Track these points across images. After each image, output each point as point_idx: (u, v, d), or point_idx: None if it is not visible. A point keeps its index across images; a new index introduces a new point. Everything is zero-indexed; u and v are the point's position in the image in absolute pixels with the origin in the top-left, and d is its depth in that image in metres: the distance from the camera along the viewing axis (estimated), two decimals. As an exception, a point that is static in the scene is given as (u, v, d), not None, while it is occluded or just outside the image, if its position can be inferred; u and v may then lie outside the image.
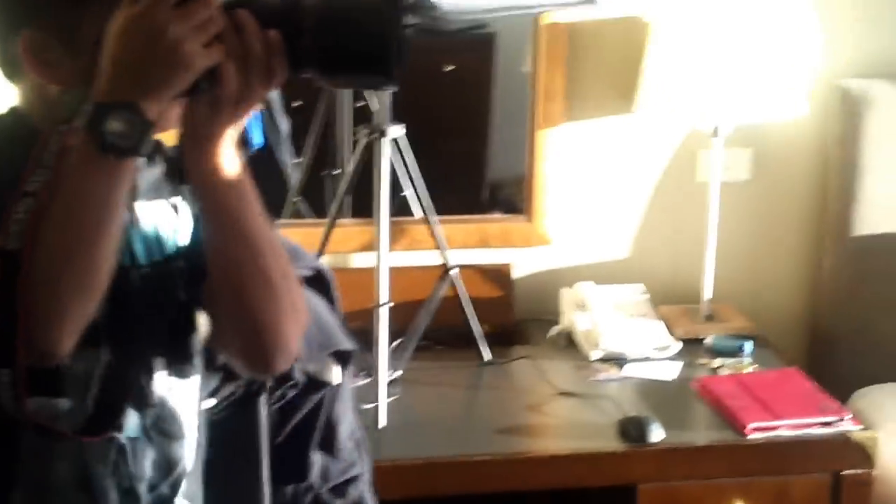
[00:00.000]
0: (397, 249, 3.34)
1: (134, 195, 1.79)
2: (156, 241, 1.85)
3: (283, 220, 3.31)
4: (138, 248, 1.82)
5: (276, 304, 1.79)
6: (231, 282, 1.77)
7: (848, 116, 3.55)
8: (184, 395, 1.91)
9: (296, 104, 3.59)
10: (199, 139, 1.69)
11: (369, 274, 3.07)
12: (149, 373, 1.84)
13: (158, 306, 1.85)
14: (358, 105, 3.50)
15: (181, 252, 1.87)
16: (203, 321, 1.89)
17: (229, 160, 1.70)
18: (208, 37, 1.59)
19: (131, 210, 1.81)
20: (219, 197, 1.71)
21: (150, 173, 1.84)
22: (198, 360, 1.93)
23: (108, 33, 1.59)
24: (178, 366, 1.89)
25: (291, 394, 2.44)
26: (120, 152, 1.57)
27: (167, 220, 1.87)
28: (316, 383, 2.45)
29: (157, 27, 1.56)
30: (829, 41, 3.58)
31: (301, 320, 1.86)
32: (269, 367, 1.87)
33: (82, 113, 1.59)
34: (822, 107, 3.59)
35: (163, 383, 1.86)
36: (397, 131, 3.08)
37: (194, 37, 1.57)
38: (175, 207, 1.88)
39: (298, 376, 2.43)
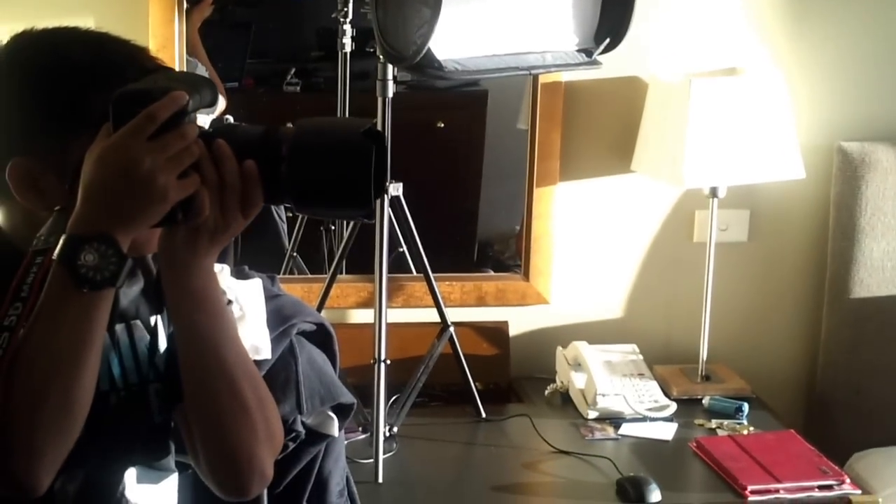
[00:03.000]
0: (394, 306, 3.35)
1: (113, 318, 1.77)
2: (133, 364, 1.85)
3: (280, 276, 3.30)
4: (116, 372, 1.82)
5: (251, 430, 1.78)
6: (205, 408, 1.76)
7: (847, 178, 3.57)
8: (159, 499, 1.90)
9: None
10: (176, 267, 1.68)
11: (365, 330, 3.09)
12: (122, 485, 1.84)
13: (134, 428, 1.84)
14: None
15: (158, 374, 1.87)
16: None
17: (207, 288, 1.70)
18: (183, 168, 1.58)
19: (111, 333, 1.80)
20: (195, 323, 1.71)
21: (129, 290, 1.83)
22: (172, 464, 1.90)
23: (84, 163, 1.59)
24: (153, 474, 1.88)
25: (292, 446, 2.43)
26: (94, 285, 1.56)
27: (145, 341, 1.86)
28: (316, 435, 2.45)
29: (131, 159, 1.55)
30: (829, 103, 3.61)
31: (276, 446, 1.87)
32: (244, 491, 1.84)
33: (57, 244, 1.57)
34: (821, 169, 3.61)
35: (135, 492, 1.85)
36: (396, 189, 3.08)
37: (169, 169, 1.57)
38: (153, 327, 1.88)
39: (299, 428, 2.42)
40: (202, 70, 3.49)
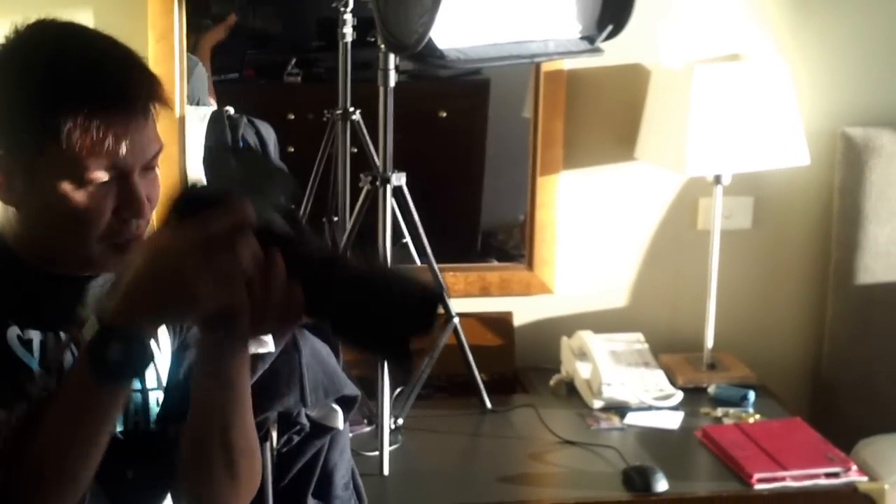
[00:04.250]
0: (398, 297, 3.33)
1: None
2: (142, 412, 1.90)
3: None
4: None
5: (236, 497, 1.85)
6: (200, 472, 1.82)
7: (851, 164, 3.57)
8: None
9: (291, 149, 3.62)
10: (206, 354, 1.73)
11: (370, 322, 3.07)
12: None
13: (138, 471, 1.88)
14: (354, 151, 3.51)
15: (160, 384, 1.92)
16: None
17: (233, 377, 1.73)
18: (226, 287, 1.58)
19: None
20: (213, 403, 1.76)
21: None
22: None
23: (137, 250, 1.64)
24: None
25: (296, 439, 2.44)
26: (115, 379, 1.60)
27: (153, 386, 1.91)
28: (320, 428, 2.47)
29: (175, 268, 1.56)
30: (832, 88, 3.61)
31: (254, 491, 1.91)
32: None
33: (88, 329, 1.61)
34: (825, 155, 3.60)
35: None
36: (399, 179, 3.07)
37: (212, 284, 1.57)
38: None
39: (304, 421, 2.43)
40: (202, 70, 3.51)
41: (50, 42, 1.79)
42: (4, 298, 1.81)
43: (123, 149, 1.73)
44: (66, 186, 1.74)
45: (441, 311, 1.61)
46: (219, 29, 3.60)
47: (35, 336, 1.82)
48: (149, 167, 1.80)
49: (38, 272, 1.84)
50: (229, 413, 1.77)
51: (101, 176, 1.74)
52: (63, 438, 1.62)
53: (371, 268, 1.66)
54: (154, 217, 1.82)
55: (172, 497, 1.92)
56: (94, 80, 1.73)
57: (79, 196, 1.74)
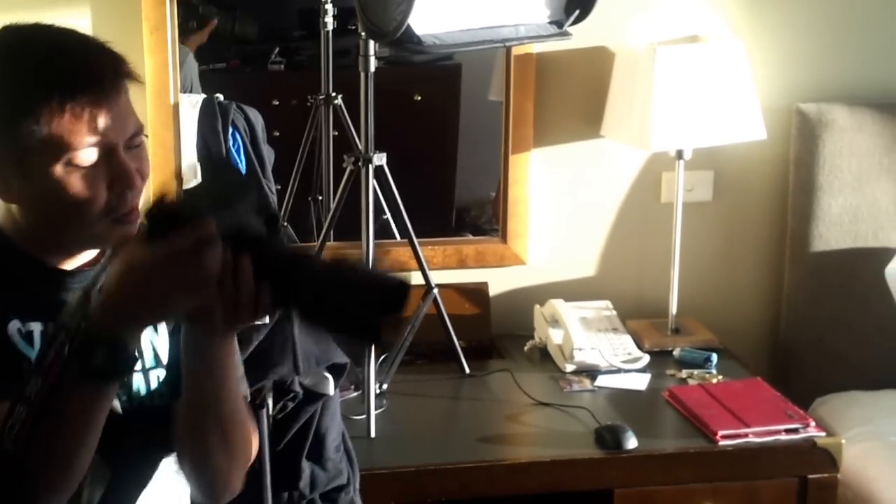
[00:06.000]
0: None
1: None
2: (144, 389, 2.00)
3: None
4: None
5: (231, 459, 1.97)
6: (195, 445, 1.95)
7: (805, 138, 3.64)
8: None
9: (277, 134, 3.69)
10: (191, 347, 1.86)
11: (354, 293, 3.18)
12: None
13: (139, 443, 1.98)
14: (336, 134, 3.61)
15: (158, 361, 2.02)
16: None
17: (217, 359, 1.86)
18: (195, 293, 1.70)
19: None
20: (202, 382, 1.88)
21: None
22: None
23: (114, 264, 1.73)
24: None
25: (290, 405, 2.55)
26: (100, 381, 1.72)
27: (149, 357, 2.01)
28: (313, 395, 2.57)
29: (147, 281, 1.68)
30: (786, 67, 3.70)
31: (248, 465, 2.05)
32: (216, 502, 2.04)
33: (79, 325, 1.71)
34: (781, 129, 3.69)
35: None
36: (380, 159, 3.15)
37: (181, 291, 1.70)
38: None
39: (297, 389, 2.54)
40: (192, 60, 3.59)
41: (11, 41, 1.86)
42: (6, 293, 1.89)
43: (103, 125, 1.80)
44: (59, 172, 1.80)
45: (409, 297, 1.71)
46: (201, 34, 3.67)
47: (36, 328, 1.90)
48: (132, 145, 1.87)
49: (41, 264, 1.92)
50: (217, 391, 1.87)
51: (90, 154, 1.81)
52: (60, 433, 1.71)
53: (337, 263, 1.74)
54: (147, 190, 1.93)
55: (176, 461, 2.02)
56: (58, 65, 1.80)
57: (73, 178, 1.81)
